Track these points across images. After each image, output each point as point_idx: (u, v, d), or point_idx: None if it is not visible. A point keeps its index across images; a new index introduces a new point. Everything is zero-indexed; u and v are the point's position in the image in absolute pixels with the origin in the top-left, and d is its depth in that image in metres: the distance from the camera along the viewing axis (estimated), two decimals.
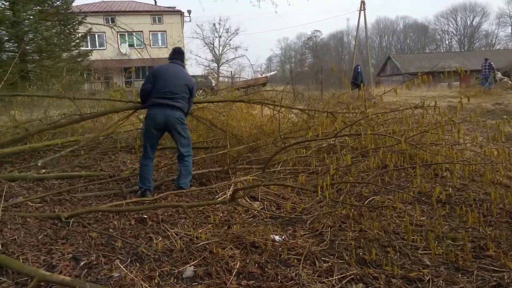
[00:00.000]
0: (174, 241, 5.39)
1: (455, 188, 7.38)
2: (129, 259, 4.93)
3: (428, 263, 4.81)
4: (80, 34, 40.00)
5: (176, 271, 4.64)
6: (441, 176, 7.91)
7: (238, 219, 6.21)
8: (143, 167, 7.59)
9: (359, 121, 7.99)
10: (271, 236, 5.47)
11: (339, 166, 7.26)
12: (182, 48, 8.49)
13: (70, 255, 4.98)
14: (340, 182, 6.83)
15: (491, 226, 5.81)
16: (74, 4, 41.43)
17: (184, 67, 8.13)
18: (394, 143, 6.96)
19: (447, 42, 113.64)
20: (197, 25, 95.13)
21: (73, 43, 38.90)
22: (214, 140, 10.32)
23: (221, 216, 6.36)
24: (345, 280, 4.44)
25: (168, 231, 5.75)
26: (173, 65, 7.91)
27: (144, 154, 7.70)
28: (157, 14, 60.14)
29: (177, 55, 8.10)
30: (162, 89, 7.53)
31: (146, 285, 4.32)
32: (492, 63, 33.17)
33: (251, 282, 4.41)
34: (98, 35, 55.97)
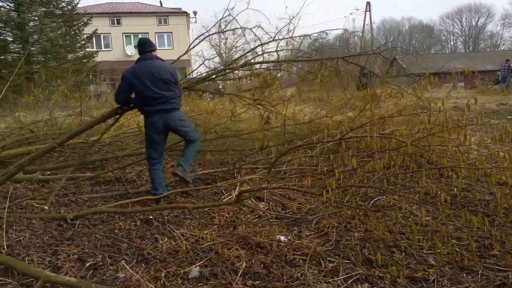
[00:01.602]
0: (179, 242, 5.40)
1: (460, 188, 7.36)
2: (135, 260, 4.94)
3: (433, 263, 4.81)
4: (85, 35, 40.08)
5: (181, 271, 4.66)
6: (447, 176, 7.89)
7: (243, 220, 6.21)
8: (152, 173, 7.33)
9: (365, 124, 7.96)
10: (277, 236, 5.47)
11: (345, 168, 7.24)
12: (144, 37, 7.77)
13: (76, 256, 4.99)
14: (346, 186, 6.82)
15: (496, 226, 5.80)
16: (79, 5, 41.49)
17: (156, 57, 7.33)
18: (401, 146, 6.94)
19: (452, 43, 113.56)
20: (203, 26, 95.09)
21: (79, 45, 38.99)
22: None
23: (226, 217, 6.37)
24: (351, 280, 4.44)
25: (173, 232, 5.76)
26: (144, 64, 7.16)
27: (151, 161, 7.40)
28: (163, 15, 60.20)
29: (144, 47, 7.33)
30: (149, 96, 7.05)
31: (152, 286, 4.33)
32: (511, 65, 33.18)
33: (257, 282, 4.42)
34: (103, 36, 56.10)
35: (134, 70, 7.16)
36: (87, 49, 40.96)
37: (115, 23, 58.36)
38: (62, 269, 4.68)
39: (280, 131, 10.48)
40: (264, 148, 9.35)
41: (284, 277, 4.51)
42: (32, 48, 34.88)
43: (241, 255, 4.97)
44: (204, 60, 11.72)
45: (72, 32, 38.50)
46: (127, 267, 4.73)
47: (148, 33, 58.39)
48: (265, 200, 7.01)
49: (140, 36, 58.20)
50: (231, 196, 7.06)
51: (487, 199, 6.94)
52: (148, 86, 6.97)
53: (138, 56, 7.34)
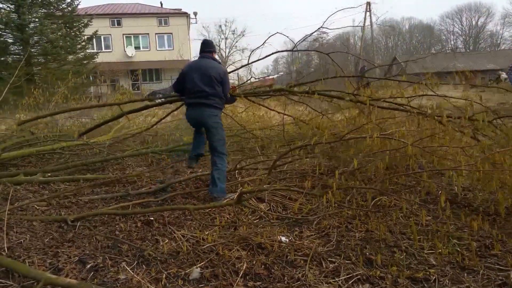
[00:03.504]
0: (180, 243, 5.39)
1: (460, 187, 7.33)
2: (136, 262, 4.93)
3: (434, 263, 4.81)
4: (85, 37, 40.08)
5: (182, 273, 4.65)
6: (448, 176, 7.87)
7: (244, 221, 6.20)
8: (194, 137, 8.05)
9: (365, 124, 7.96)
10: (278, 237, 5.47)
11: (345, 168, 7.25)
12: (207, 39, 8.74)
13: (77, 258, 4.98)
14: (346, 186, 6.82)
15: (497, 226, 5.79)
16: (79, 6, 41.46)
17: (213, 58, 7.87)
18: (401, 146, 6.95)
19: (452, 42, 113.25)
20: (203, 26, 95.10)
21: (79, 46, 38.98)
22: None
23: (227, 218, 6.36)
24: (352, 281, 4.44)
25: (174, 233, 5.75)
26: (199, 61, 7.81)
27: (194, 133, 8.10)
28: (163, 16, 60.20)
29: (203, 47, 7.92)
30: (192, 88, 7.51)
31: (153, 287, 4.32)
32: None
33: (258, 283, 4.42)
34: (104, 37, 56.08)
35: (190, 64, 8.09)
36: (88, 51, 40.97)
37: (116, 24, 58.38)
38: (63, 271, 4.67)
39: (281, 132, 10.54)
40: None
41: (285, 277, 4.51)
42: (33, 50, 34.91)
43: (242, 256, 4.97)
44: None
45: (73, 34, 38.53)
46: (128, 268, 4.72)
47: (148, 34, 58.48)
48: (266, 201, 7.00)
49: (140, 36, 58.32)
50: (232, 196, 7.04)
51: (487, 198, 6.91)
52: (194, 78, 7.51)
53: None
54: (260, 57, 10.29)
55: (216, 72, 7.53)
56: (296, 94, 9.33)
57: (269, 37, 9.81)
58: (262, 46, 10.12)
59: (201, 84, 7.42)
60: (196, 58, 8.09)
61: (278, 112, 10.64)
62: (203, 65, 7.61)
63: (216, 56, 8.17)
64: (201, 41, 8.07)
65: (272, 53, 10.09)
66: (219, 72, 7.59)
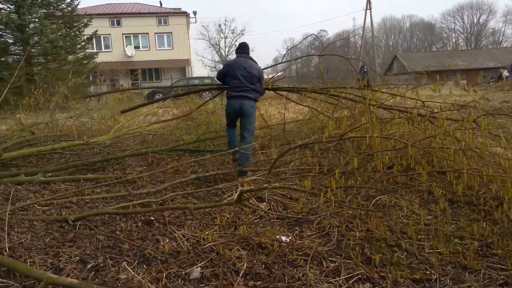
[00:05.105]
0: (181, 243, 5.38)
1: (462, 189, 7.30)
2: (136, 261, 4.93)
3: (435, 262, 4.80)
4: (85, 37, 40.06)
5: (183, 272, 4.65)
6: (449, 176, 7.86)
7: (245, 220, 6.19)
8: (229, 136, 9.53)
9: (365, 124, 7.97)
10: (278, 236, 5.47)
11: (345, 168, 7.25)
12: (245, 42, 9.83)
13: (77, 258, 4.97)
14: (345, 186, 6.81)
15: (498, 225, 5.78)
16: (79, 6, 41.47)
17: (250, 58, 9.37)
18: (401, 147, 6.97)
19: (453, 40, 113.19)
20: (203, 26, 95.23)
21: (79, 46, 38.95)
22: None
23: (227, 217, 6.34)
24: (352, 280, 4.44)
25: (175, 232, 5.75)
26: (241, 60, 9.23)
27: (228, 127, 9.51)
28: (163, 15, 60.24)
29: (242, 49, 9.47)
30: (236, 83, 8.97)
31: (153, 287, 4.32)
32: None
33: (258, 283, 4.42)
34: (103, 37, 56.09)
35: (234, 61, 9.45)
36: (87, 50, 40.95)
37: (115, 24, 58.43)
38: (64, 270, 4.67)
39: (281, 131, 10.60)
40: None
41: (286, 277, 4.51)
42: (33, 50, 34.91)
43: (242, 256, 4.97)
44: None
45: (72, 34, 38.51)
46: (129, 268, 4.72)
47: (148, 33, 58.51)
48: (266, 200, 6.98)
49: (140, 36, 58.33)
50: (232, 197, 7.03)
51: (489, 197, 6.89)
52: (238, 75, 9.00)
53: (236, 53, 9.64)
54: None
55: (257, 71, 9.15)
56: (317, 92, 10.74)
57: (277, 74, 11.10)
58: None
59: (244, 81, 8.92)
60: (238, 56, 9.44)
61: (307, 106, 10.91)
62: (246, 64, 9.08)
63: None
64: (239, 43, 9.68)
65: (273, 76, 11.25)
66: (258, 71, 9.23)
